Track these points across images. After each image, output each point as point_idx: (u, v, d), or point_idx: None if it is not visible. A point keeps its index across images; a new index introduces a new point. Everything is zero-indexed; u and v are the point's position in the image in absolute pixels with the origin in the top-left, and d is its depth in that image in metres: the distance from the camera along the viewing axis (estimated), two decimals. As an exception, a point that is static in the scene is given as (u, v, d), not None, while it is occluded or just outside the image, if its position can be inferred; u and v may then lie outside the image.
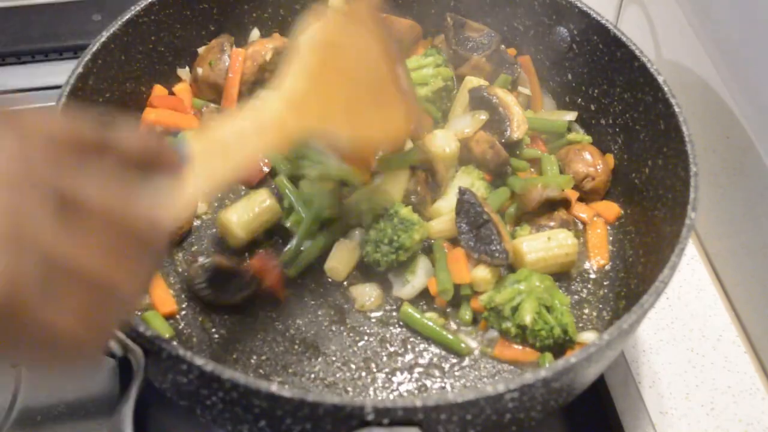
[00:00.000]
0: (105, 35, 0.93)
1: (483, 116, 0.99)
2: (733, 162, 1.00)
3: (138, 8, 0.96)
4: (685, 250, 0.77)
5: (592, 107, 1.04)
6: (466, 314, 0.89)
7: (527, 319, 0.83)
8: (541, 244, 0.90)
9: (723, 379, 0.93)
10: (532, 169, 1.00)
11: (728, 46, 0.98)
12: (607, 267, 0.96)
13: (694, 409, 0.90)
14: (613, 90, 0.99)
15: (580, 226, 0.99)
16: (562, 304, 0.85)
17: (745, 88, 0.96)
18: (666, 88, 0.90)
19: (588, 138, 1.03)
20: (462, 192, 0.90)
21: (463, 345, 0.87)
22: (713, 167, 1.03)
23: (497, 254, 0.87)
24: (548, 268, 0.91)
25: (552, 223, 0.94)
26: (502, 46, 1.07)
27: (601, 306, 0.92)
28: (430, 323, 0.88)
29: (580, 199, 0.99)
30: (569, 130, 1.05)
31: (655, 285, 0.74)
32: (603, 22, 0.98)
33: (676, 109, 0.88)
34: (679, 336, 0.97)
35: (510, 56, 1.07)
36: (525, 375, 0.66)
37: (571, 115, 1.05)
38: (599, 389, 0.91)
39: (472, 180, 0.96)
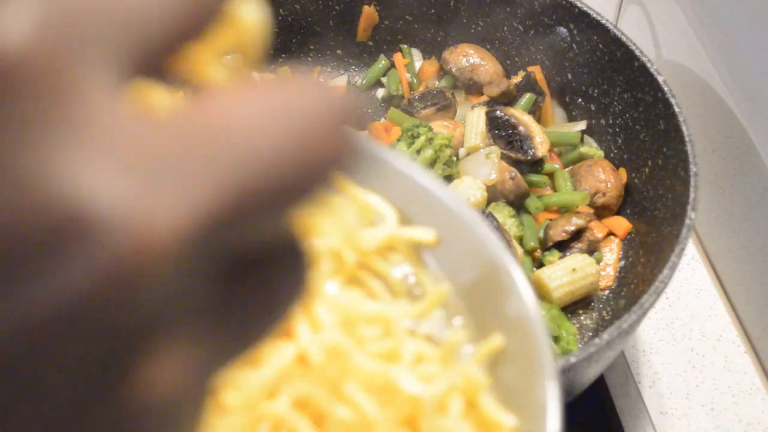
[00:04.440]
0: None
1: (496, 151, 0.95)
2: (733, 162, 1.00)
3: (138, 8, 0.96)
4: (685, 250, 0.77)
5: (592, 107, 1.04)
6: None
7: None
8: (567, 277, 0.88)
9: (723, 379, 0.93)
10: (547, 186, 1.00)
11: (728, 46, 0.98)
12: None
13: (694, 409, 0.90)
14: (613, 90, 0.99)
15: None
16: (569, 333, 0.84)
17: (745, 88, 0.96)
18: (666, 88, 0.90)
19: (600, 153, 1.02)
20: (485, 215, 0.89)
21: None
22: (713, 167, 1.03)
23: None
24: (574, 299, 0.90)
25: (580, 245, 0.93)
26: (532, 73, 1.05)
27: (601, 306, 0.92)
28: None
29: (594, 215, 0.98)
30: (581, 141, 1.04)
31: (655, 285, 0.74)
32: (603, 22, 0.98)
33: (676, 109, 0.88)
34: (679, 336, 0.97)
35: (539, 85, 1.05)
36: (525, 375, 0.66)
37: (582, 124, 1.05)
38: (599, 389, 0.91)
39: (503, 218, 0.93)
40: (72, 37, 0.16)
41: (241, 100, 0.18)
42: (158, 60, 0.18)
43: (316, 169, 0.18)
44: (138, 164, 0.16)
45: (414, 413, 0.34)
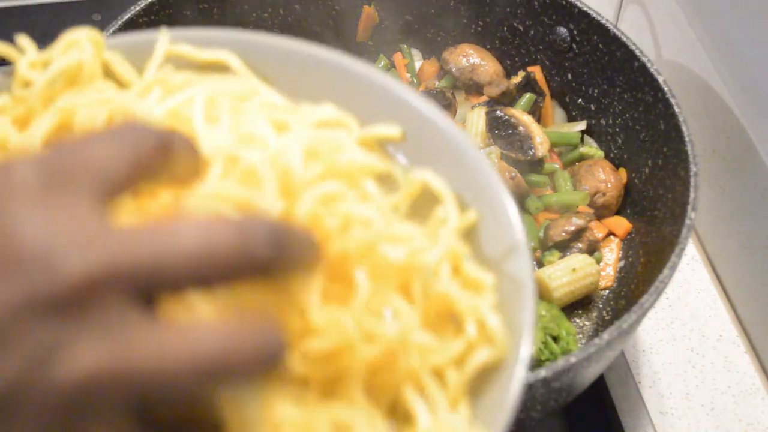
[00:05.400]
0: (105, 35, 0.92)
1: (496, 151, 0.96)
2: (733, 162, 1.00)
3: (138, 8, 0.96)
4: (685, 250, 0.77)
5: (592, 107, 1.04)
6: None
7: (533, 350, 0.81)
8: (567, 277, 0.88)
9: (723, 379, 0.93)
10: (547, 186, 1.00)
11: (728, 46, 0.98)
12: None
13: (694, 409, 0.90)
14: (613, 90, 0.99)
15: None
16: (569, 333, 0.84)
17: (745, 88, 0.96)
18: (666, 88, 0.90)
19: (600, 153, 1.02)
20: None
21: None
22: (713, 167, 1.03)
23: None
24: (575, 298, 0.90)
25: (580, 245, 0.93)
26: (532, 73, 1.05)
27: (601, 306, 0.92)
28: None
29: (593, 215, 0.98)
30: (581, 141, 1.04)
31: (655, 285, 0.74)
32: (603, 22, 0.98)
33: (676, 109, 0.88)
34: (679, 336, 0.97)
35: (539, 85, 1.05)
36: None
37: (582, 124, 1.05)
38: (599, 389, 0.91)
39: None
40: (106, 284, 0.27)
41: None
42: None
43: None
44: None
45: (406, 281, 0.39)
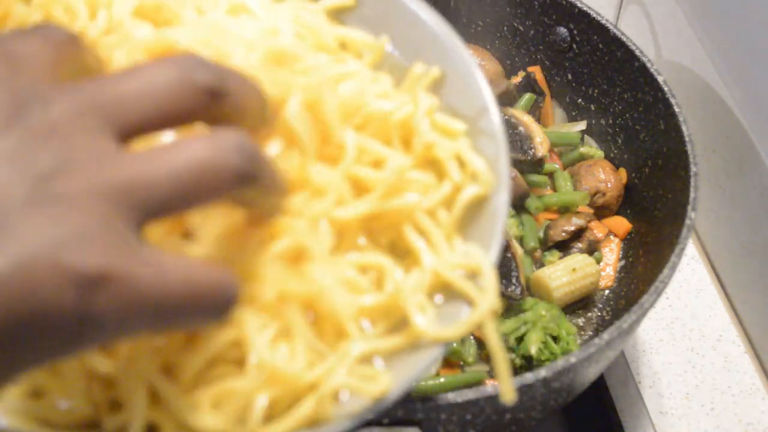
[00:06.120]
0: None
1: None
2: (733, 162, 1.00)
3: (138, 8, 0.96)
4: (685, 250, 0.77)
5: (592, 107, 1.04)
6: (470, 355, 0.84)
7: (533, 350, 0.81)
8: (567, 277, 0.88)
9: (723, 379, 0.93)
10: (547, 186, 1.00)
11: (728, 46, 0.98)
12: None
13: (694, 409, 0.90)
14: (613, 90, 0.99)
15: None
16: (569, 334, 0.84)
17: (745, 88, 0.96)
18: (666, 88, 0.90)
19: (600, 153, 1.02)
20: None
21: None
22: (713, 167, 1.03)
23: (512, 288, 0.85)
24: (574, 299, 0.90)
25: (580, 245, 0.93)
26: (533, 73, 1.05)
27: (601, 306, 0.92)
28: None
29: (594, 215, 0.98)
30: (581, 141, 1.04)
31: (655, 285, 0.74)
32: (603, 22, 0.98)
33: (676, 109, 0.88)
34: (679, 336, 0.97)
35: (539, 85, 1.05)
36: (525, 375, 0.66)
37: (582, 124, 1.05)
38: (599, 389, 0.91)
39: None
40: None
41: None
42: None
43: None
44: None
45: (388, 136, 0.43)
